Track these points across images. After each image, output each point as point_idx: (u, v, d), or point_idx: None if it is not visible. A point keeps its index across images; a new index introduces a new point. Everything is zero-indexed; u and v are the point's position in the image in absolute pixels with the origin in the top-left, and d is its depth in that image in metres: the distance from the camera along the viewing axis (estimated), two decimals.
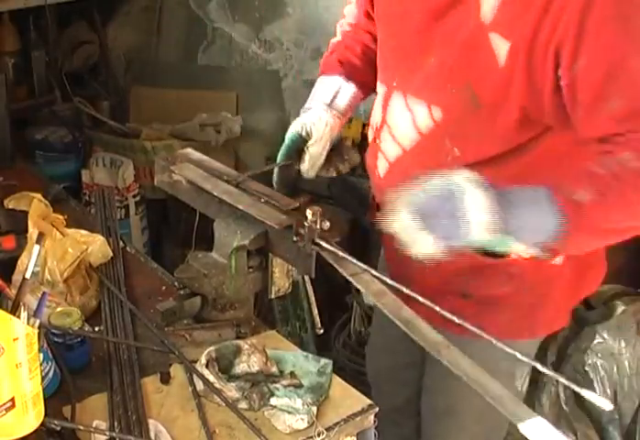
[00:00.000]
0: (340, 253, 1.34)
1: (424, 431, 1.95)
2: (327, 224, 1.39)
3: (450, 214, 1.19)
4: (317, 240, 1.37)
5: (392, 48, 1.56)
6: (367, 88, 1.71)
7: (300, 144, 1.63)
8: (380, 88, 1.62)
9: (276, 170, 1.67)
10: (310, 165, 1.64)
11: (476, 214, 1.18)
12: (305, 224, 1.38)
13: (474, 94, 1.37)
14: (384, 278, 1.28)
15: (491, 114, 1.38)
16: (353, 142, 2.82)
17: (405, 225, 1.21)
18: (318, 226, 1.38)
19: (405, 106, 1.52)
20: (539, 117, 1.36)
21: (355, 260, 1.32)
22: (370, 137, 1.67)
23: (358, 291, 2.73)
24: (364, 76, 1.70)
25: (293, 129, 1.64)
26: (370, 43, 1.72)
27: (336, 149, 1.68)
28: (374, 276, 1.29)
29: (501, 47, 1.32)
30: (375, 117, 1.65)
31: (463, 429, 1.84)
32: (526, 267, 1.52)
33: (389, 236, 1.28)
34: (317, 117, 1.63)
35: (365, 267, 1.31)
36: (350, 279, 1.30)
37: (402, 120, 1.54)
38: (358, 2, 1.74)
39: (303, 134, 1.62)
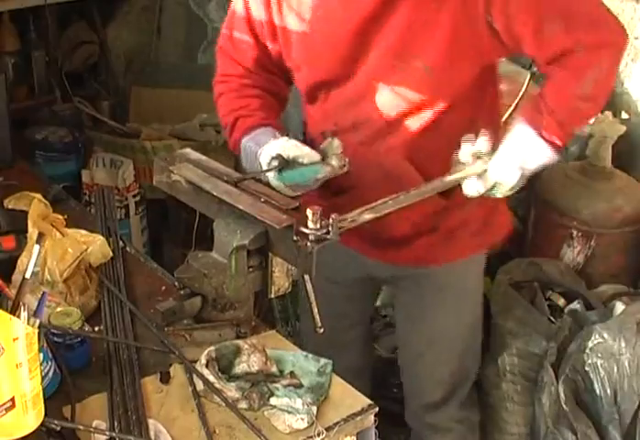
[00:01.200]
0: None
1: (405, 377, 2.11)
2: (331, 219, 1.39)
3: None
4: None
5: (329, 57, 1.66)
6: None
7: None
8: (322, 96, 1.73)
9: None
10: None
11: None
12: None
13: (424, 62, 1.58)
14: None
15: (443, 73, 1.60)
16: None
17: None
18: (318, 226, 1.38)
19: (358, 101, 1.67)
20: (486, 59, 1.63)
21: None
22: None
23: None
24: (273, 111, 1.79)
25: (272, 162, 1.62)
26: (262, 96, 1.78)
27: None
28: None
29: (437, 19, 1.54)
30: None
31: (444, 361, 2.03)
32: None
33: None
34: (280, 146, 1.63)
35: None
36: None
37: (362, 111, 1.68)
38: (239, 55, 1.78)
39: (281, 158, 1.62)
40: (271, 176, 1.61)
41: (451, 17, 1.54)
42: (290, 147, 1.60)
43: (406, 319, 2.04)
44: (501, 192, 1.63)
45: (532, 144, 1.58)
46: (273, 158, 1.59)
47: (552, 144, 1.58)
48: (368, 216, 1.47)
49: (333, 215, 1.37)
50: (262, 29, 1.73)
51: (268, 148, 1.61)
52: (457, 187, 1.66)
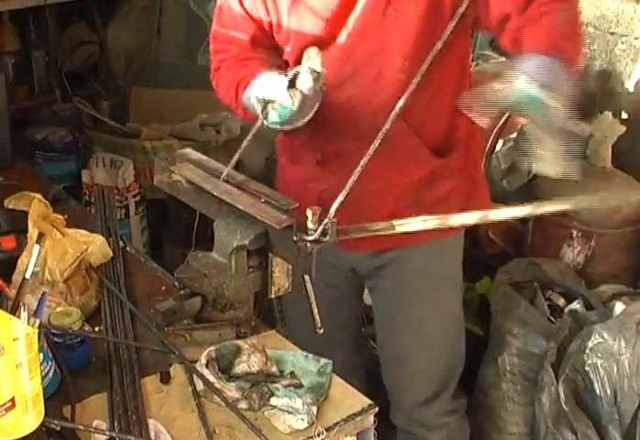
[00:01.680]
0: None
1: (387, 377, 2.09)
2: (328, 222, 1.39)
3: None
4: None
5: (318, 15, 1.67)
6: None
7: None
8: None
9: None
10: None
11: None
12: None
13: (410, 9, 1.61)
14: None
15: (426, 22, 1.62)
16: None
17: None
18: (318, 226, 1.38)
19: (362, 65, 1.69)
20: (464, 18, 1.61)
21: None
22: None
23: None
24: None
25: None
26: (263, 59, 1.78)
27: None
28: None
29: None
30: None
31: (429, 356, 2.01)
32: (461, 157, 1.81)
33: None
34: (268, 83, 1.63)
35: None
36: None
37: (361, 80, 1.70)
38: (234, 37, 1.79)
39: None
40: (264, 123, 1.61)
41: None
42: (261, 86, 1.62)
43: (387, 315, 2.02)
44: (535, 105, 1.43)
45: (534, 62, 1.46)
46: (257, 101, 1.60)
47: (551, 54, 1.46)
48: (367, 233, 1.49)
49: (332, 219, 1.37)
50: (254, 9, 1.74)
51: (251, 92, 1.63)
52: (453, 145, 1.75)
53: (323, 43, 1.70)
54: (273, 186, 1.65)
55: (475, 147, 1.95)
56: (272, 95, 1.56)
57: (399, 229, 1.49)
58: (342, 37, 1.69)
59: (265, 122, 1.60)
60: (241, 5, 1.76)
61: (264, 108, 1.57)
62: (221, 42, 1.83)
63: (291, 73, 1.57)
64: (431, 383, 2.04)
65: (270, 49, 1.80)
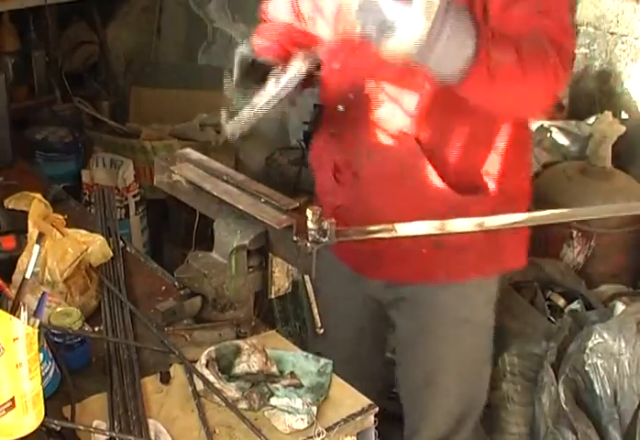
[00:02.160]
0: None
1: (407, 410, 2.00)
2: (327, 223, 1.39)
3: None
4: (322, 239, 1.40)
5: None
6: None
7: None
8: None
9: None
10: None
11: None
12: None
13: None
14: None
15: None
16: None
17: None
18: (318, 226, 1.38)
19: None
20: None
21: None
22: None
23: None
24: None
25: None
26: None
27: None
28: None
29: None
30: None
31: (445, 395, 1.91)
32: (493, 206, 1.64)
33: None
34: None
35: None
36: None
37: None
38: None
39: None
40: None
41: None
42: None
43: (406, 349, 1.93)
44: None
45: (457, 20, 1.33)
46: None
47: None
48: (367, 235, 1.46)
49: (330, 220, 1.37)
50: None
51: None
52: (479, 182, 1.64)
53: (343, 54, 1.66)
54: (273, 186, 1.65)
55: (517, 193, 1.75)
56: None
57: (400, 232, 1.46)
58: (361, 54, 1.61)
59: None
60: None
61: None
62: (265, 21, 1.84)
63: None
64: (439, 425, 1.95)
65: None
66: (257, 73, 1.63)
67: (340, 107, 1.68)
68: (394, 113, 1.63)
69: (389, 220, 1.55)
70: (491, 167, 1.68)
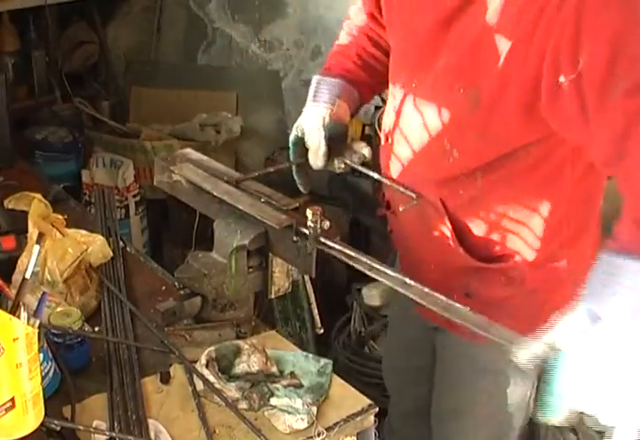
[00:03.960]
0: (347, 251, 1.38)
1: (434, 432, 1.91)
2: (327, 223, 1.39)
3: None
4: (322, 239, 1.39)
5: (404, 51, 1.54)
6: (362, 86, 1.70)
7: (301, 144, 1.63)
8: (393, 90, 1.59)
9: (294, 169, 1.66)
10: (313, 155, 1.60)
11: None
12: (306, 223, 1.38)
13: (477, 94, 1.36)
14: (395, 274, 1.34)
15: (489, 113, 1.37)
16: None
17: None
18: (318, 226, 1.38)
19: (415, 108, 1.51)
20: (537, 119, 1.34)
21: (363, 257, 1.37)
22: (383, 139, 1.64)
23: (358, 291, 2.73)
24: (356, 76, 1.69)
25: (292, 134, 1.64)
26: (368, 47, 1.71)
27: (343, 142, 1.63)
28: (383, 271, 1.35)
29: (503, 47, 1.31)
30: (387, 119, 1.61)
31: (472, 430, 1.81)
32: (527, 272, 1.51)
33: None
34: (305, 114, 1.63)
35: (375, 265, 1.35)
36: (368, 273, 1.34)
37: (412, 122, 1.52)
38: (364, 3, 1.72)
39: (300, 134, 1.62)
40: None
41: (508, 51, 1.31)
42: (305, 121, 1.61)
43: (439, 374, 1.80)
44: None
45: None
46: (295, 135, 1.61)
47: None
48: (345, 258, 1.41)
49: (324, 222, 1.37)
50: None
51: (302, 117, 1.63)
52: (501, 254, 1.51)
53: (405, 78, 1.53)
54: (273, 186, 1.65)
55: (558, 267, 1.54)
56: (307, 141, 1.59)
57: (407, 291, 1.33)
58: (420, 81, 1.48)
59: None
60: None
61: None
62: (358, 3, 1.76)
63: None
64: None
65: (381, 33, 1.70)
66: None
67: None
68: (424, 179, 1.53)
69: (419, 263, 1.55)
70: (524, 242, 1.51)
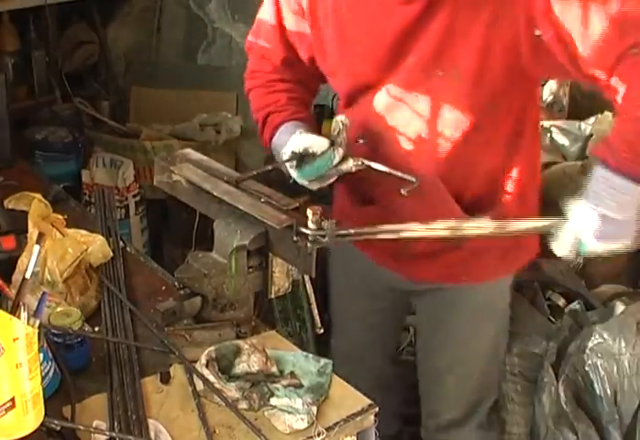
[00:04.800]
0: (365, 229, 1.47)
1: (425, 393, 2.06)
2: (327, 223, 1.39)
3: None
4: (339, 233, 1.41)
5: (365, 61, 1.62)
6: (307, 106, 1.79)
7: (299, 157, 1.61)
8: (352, 99, 1.69)
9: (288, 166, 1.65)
10: (326, 157, 1.59)
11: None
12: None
13: (458, 72, 1.52)
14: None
15: (474, 84, 1.53)
16: None
17: None
18: (318, 226, 1.38)
19: (395, 104, 1.62)
20: (519, 79, 1.55)
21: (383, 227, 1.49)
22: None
23: None
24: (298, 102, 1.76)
25: (285, 154, 1.61)
26: (291, 89, 1.76)
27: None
28: None
29: (475, 24, 1.48)
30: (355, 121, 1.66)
31: (467, 379, 1.98)
32: (510, 209, 1.69)
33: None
34: (290, 142, 1.62)
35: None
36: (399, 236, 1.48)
37: (395, 116, 1.62)
38: (268, 54, 1.77)
39: (297, 150, 1.59)
40: (294, 175, 1.61)
41: (484, 28, 1.48)
42: (299, 140, 1.59)
43: (425, 336, 2.00)
44: (589, 247, 1.43)
45: (604, 180, 1.46)
46: (290, 156, 1.59)
47: (633, 180, 1.40)
48: (369, 236, 1.47)
49: (331, 220, 1.37)
50: (295, 37, 1.70)
51: (285, 148, 1.61)
52: (492, 206, 1.66)
53: (368, 89, 1.65)
54: (273, 186, 1.65)
55: (529, 197, 1.80)
56: (311, 148, 1.57)
57: (403, 235, 1.47)
58: (388, 88, 1.62)
59: (293, 174, 1.61)
60: (280, 24, 1.72)
61: (299, 161, 1.58)
62: (255, 56, 1.82)
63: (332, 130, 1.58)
64: (457, 408, 2.01)
65: (300, 73, 1.76)
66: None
67: (361, 141, 1.67)
68: (418, 156, 1.63)
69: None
70: (509, 186, 1.72)
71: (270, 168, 1.65)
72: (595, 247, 1.43)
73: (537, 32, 1.43)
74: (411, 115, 1.61)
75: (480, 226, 1.49)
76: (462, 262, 1.77)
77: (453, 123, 1.58)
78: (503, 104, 1.59)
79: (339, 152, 1.57)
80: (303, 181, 1.61)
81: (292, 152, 1.58)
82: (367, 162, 1.60)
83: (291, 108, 1.71)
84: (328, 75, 1.73)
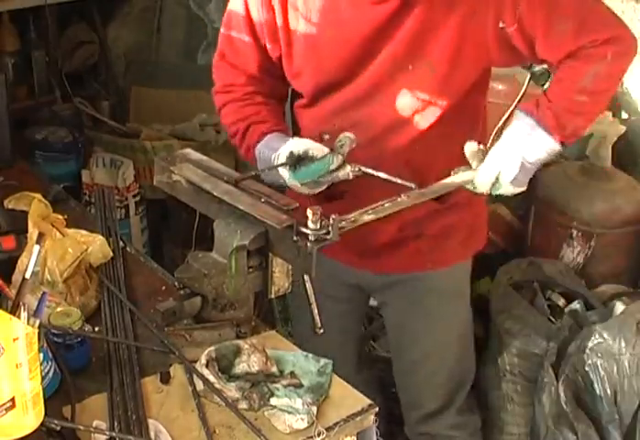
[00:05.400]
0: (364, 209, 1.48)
1: (402, 386, 2.11)
2: (331, 219, 1.39)
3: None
4: (341, 221, 1.42)
5: (335, 62, 1.67)
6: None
7: (295, 160, 1.63)
8: (320, 102, 1.73)
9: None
10: (324, 161, 1.62)
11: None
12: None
13: (431, 64, 1.61)
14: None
15: (446, 75, 1.62)
16: None
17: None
18: (318, 226, 1.38)
19: (368, 100, 1.68)
20: (486, 68, 1.69)
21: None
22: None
23: None
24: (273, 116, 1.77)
25: (282, 155, 1.62)
26: (268, 103, 1.78)
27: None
28: None
29: (445, 22, 1.57)
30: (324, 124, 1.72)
31: (442, 368, 2.04)
32: (465, 193, 1.73)
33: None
34: (283, 148, 1.63)
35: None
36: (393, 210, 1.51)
37: (365, 113, 1.69)
38: (242, 62, 1.77)
39: (296, 151, 1.61)
40: (287, 176, 1.62)
41: (459, 22, 1.57)
42: (300, 143, 1.61)
43: (396, 329, 2.05)
44: (504, 187, 1.61)
45: (529, 133, 1.59)
46: (287, 157, 1.61)
47: (550, 134, 1.58)
48: (368, 217, 1.47)
49: (333, 216, 1.37)
50: (262, 30, 1.71)
51: (282, 149, 1.62)
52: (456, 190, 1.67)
53: (338, 85, 1.69)
54: (273, 186, 1.65)
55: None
56: (311, 150, 1.60)
57: (385, 212, 1.50)
58: (358, 83, 1.68)
59: (286, 176, 1.62)
60: (250, 33, 1.72)
61: (295, 164, 1.60)
62: (226, 66, 1.80)
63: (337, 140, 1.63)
64: (436, 397, 2.05)
65: (277, 78, 1.78)
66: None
67: (326, 136, 1.70)
68: (388, 145, 1.71)
69: (376, 223, 1.59)
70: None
71: (253, 173, 1.63)
72: (507, 189, 1.61)
73: (501, 24, 1.56)
74: (379, 108, 1.67)
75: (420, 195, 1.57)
76: (425, 249, 1.87)
77: (418, 113, 1.66)
78: (468, 97, 1.68)
79: (338, 158, 1.60)
80: (294, 184, 1.63)
81: (291, 153, 1.60)
82: (364, 169, 1.63)
83: (272, 120, 1.73)
84: (292, 77, 1.75)
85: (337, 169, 1.61)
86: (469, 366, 2.12)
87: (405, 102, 1.66)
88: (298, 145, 1.61)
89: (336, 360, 1.81)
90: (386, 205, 1.50)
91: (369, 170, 1.63)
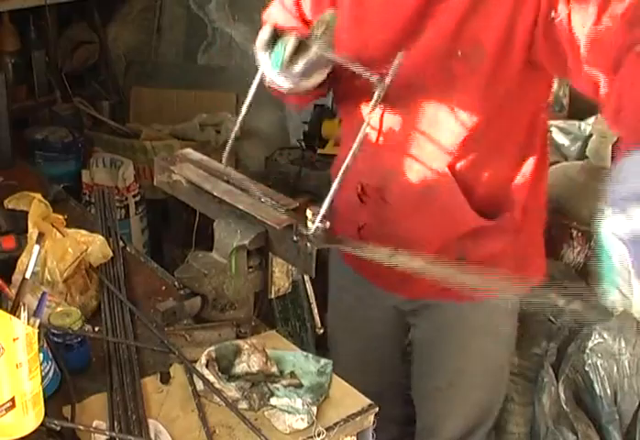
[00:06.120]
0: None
1: (422, 411, 1.99)
2: (328, 223, 1.39)
3: None
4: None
5: (379, 40, 1.54)
6: None
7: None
8: (357, 89, 1.59)
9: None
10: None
11: None
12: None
13: (481, 50, 1.46)
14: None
15: (494, 69, 1.47)
16: None
17: None
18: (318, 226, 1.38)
19: (411, 88, 1.53)
20: (534, 69, 1.48)
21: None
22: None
23: None
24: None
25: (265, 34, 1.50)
26: None
27: None
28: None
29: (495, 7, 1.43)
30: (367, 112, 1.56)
31: (464, 399, 1.91)
32: (518, 219, 1.65)
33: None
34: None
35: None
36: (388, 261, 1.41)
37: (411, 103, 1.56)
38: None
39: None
40: (266, 64, 1.52)
41: (511, 8, 1.42)
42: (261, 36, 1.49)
43: (426, 351, 1.91)
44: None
45: None
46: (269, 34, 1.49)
47: None
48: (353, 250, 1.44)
49: (320, 223, 1.37)
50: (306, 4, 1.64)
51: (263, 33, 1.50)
52: (505, 208, 1.62)
53: (382, 62, 1.50)
54: (273, 186, 1.65)
55: (536, 208, 1.77)
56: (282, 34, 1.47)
57: (394, 261, 1.41)
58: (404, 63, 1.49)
59: (266, 65, 1.51)
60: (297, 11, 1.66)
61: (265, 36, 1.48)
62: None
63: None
64: (455, 427, 1.95)
65: None
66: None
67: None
68: (431, 150, 1.58)
69: (415, 239, 1.57)
70: (521, 195, 1.66)
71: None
72: None
73: (553, 14, 1.38)
74: (428, 93, 1.53)
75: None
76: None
77: (468, 110, 1.52)
78: (516, 104, 1.54)
79: (291, 42, 1.44)
80: (273, 75, 1.52)
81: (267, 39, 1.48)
82: (331, 56, 1.46)
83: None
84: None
85: (306, 51, 1.44)
86: (495, 404, 1.99)
87: (445, 101, 1.52)
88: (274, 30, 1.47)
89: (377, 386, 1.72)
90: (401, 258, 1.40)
91: (337, 58, 1.46)
